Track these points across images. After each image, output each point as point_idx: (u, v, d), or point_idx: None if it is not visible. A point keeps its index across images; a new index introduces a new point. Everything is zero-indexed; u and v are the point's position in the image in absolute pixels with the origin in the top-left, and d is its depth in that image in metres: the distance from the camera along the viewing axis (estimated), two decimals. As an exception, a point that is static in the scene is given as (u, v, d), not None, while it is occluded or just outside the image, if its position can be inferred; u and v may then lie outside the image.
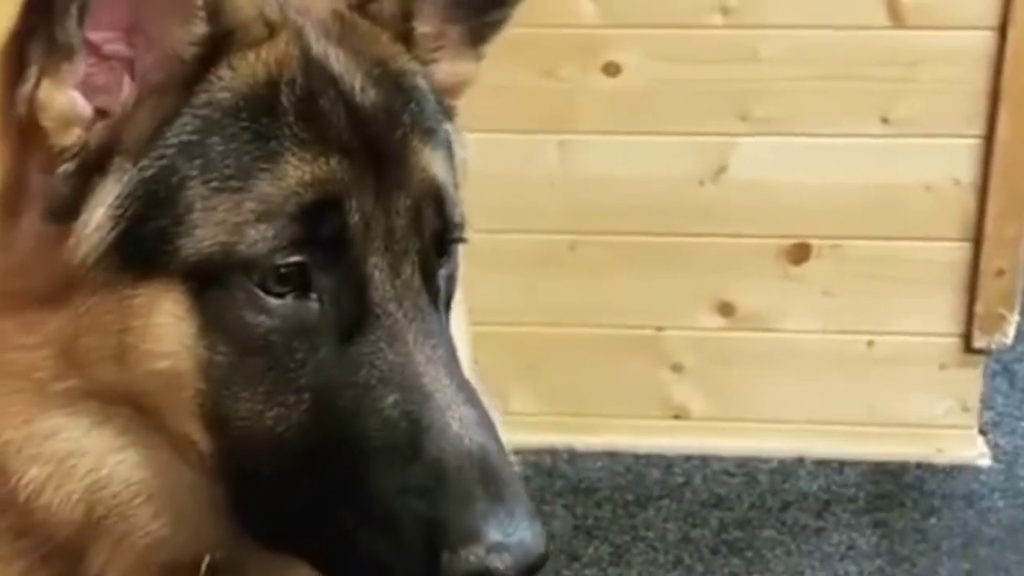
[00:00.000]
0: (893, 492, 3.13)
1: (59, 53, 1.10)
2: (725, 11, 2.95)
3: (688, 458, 3.23)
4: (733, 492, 3.14)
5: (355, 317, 1.13)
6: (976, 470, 3.21)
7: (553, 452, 3.20)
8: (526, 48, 2.88)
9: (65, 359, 1.16)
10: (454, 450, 1.10)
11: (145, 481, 1.19)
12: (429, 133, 1.22)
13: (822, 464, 3.20)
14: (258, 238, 1.11)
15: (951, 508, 3.10)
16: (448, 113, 1.31)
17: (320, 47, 1.19)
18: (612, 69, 2.99)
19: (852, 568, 2.92)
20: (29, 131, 1.14)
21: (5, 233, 1.19)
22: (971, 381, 3.22)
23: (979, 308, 3.12)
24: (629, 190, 3.04)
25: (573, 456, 3.21)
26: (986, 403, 3.34)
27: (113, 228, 1.13)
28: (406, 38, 1.28)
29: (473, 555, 1.07)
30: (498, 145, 2.81)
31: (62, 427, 1.18)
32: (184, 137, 1.13)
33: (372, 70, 1.21)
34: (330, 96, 1.16)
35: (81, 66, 1.12)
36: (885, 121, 2.99)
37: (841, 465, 3.20)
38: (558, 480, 3.15)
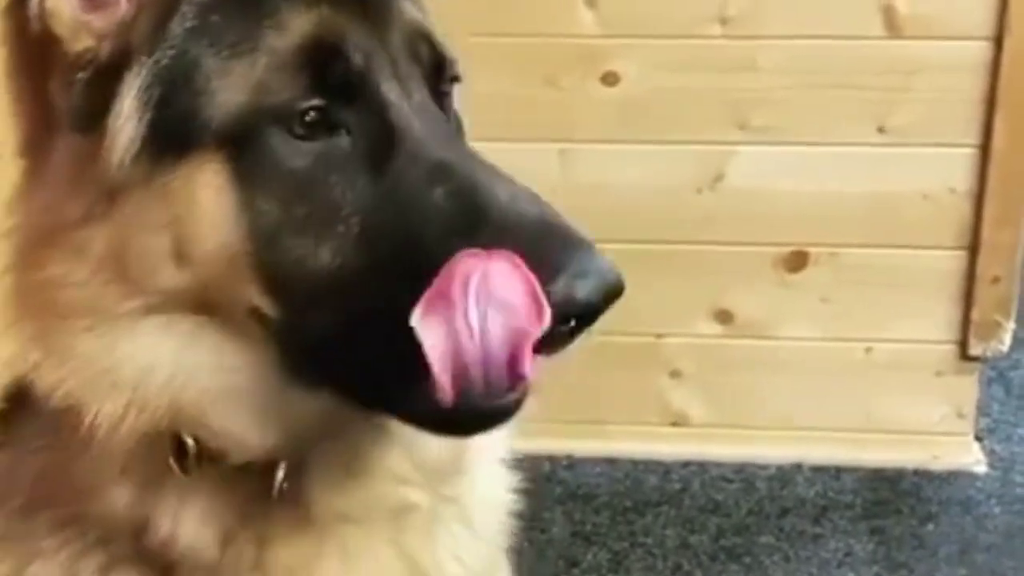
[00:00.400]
0: (890, 498, 3.15)
1: None
2: (723, 21, 2.97)
3: (686, 464, 3.25)
4: (731, 498, 3.16)
5: (383, 141, 1.18)
6: (972, 476, 3.23)
7: (552, 458, 3.21)
8: (527, 58, 2.90)
9: (122, 278, 1.20)
10: (514, 214, 1.14)
11: (221, 383, 1.22)
12: None
13: (819, 470, 3.22)
14: (277, 87, 1.17)
15: (948, 514, 3.11)
16: None
17: None
18: (611, 78, 3.01)
19: (850, 574, 2.93)
20: (46, 47, 1.20)
21: (37, 173, 1.24)
22: (967, 388, 3.24)
23: (975, 316, 3.14)
24: (628, 198, 3.06)
25: (572, 462, 3.22)
26: (982, 410, 3.36)
27: (140, 119, 1.17)
28: None
29: (560, 286, 1.10)
30: (499, 154, 2.80)
31: (133, 352, 1.21)
32: (188, 24, 1.19)
33: None
34: None
35: None
36: (882, 130, 3.01)
37: (838, 471, 3.22)
38: (557, 486, 3.16)
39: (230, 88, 1.17)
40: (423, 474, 1.34)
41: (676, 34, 2.95)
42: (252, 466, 1.25)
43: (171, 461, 1.24)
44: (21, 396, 1.34)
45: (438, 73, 1.27)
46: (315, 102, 1.17)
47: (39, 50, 1.20)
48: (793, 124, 3.01)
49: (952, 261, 3.11)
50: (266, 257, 1.17)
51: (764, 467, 3.24)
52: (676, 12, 2.95)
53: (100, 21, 1.20)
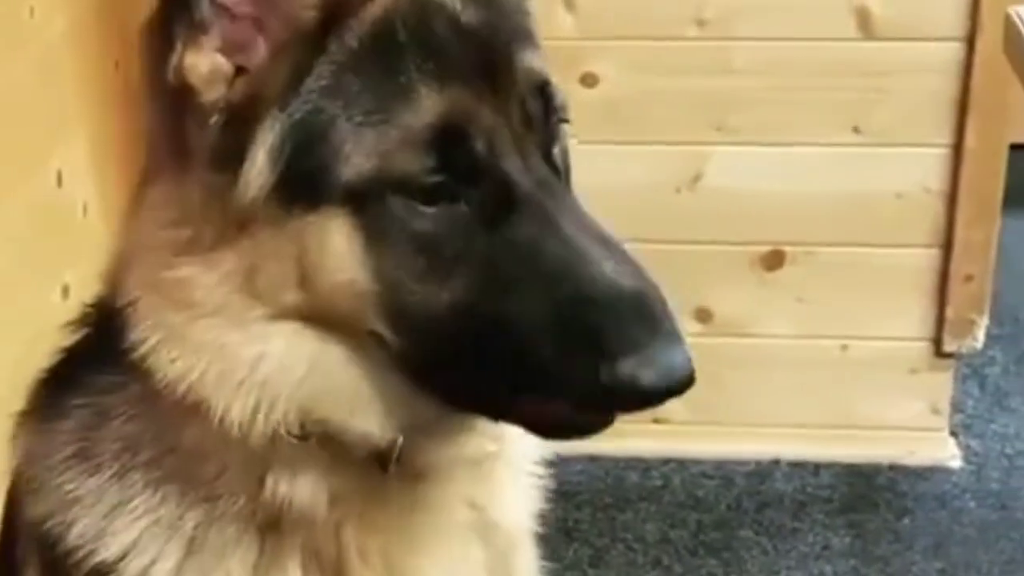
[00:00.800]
0: (866, 493, 3.19)
1: (197, 29, 1.24)
2: (700, 23, 2.99)
3: (667, 461, 3.28)
4: (711, 494, 3.19)
5: (501, 209, 1.26)
6: (947, 472, 3.27)
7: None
8: (506, 60, 2.93)
9: (248, 291, 1.28)
10: (612, 289, 1.22)
11: (349, 384, 1.31)
12: (524, 34, 1.36)
13: (797, 466, 3.26)
14: (404, 162, 1.24)
15: (923, 509, 3.15)
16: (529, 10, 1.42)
17: None
18: (590, 80, 3.04)
19: (827, 568, 2.97)
20: (181, 96, 1.27)
21: (168, 192, 1.31)
22: (942, 384, 3.27)
23: (949, 313, 3.17)
24: (607, 198, 3.03)
25: (554, 459, 3.24)
26: (957, 406, 3.40)
27: (274, 168, 1.25)
28: None
29: (628, 365, 1.18)
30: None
31: (265, 352, 1.28)
32: (323, 82, 1.25)
33: None
34: (440, 23, 1.28)
35: (217, 34, 1.25)
36: (856, 131, 3.04)
37: (816, 467, 3.25)
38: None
39: (360, 153, 1.24)
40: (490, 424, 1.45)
41: (654, 36, 2.98)
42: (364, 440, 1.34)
43: (284, 432, 1.31)
44: (93, 353, 1.42)
45: (550, 127, 1.33)
46: (438, 179, 1.24)
47: (175, 93, 1.27)
48: (769, 125, 3.04)
49: (926, 259, 3.15)
50: (392, 297, 1.26)
51: (743, 463, 3.27)
52: (654, 14, 2.98)
53: (243, 62, 1.27)
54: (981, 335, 3.21)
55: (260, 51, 1.27)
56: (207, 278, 1.28)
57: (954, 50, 2.98)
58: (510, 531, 1.53)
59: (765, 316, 3.20)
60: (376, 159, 1.23)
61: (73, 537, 1.39)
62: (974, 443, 3.37)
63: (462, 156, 1.25)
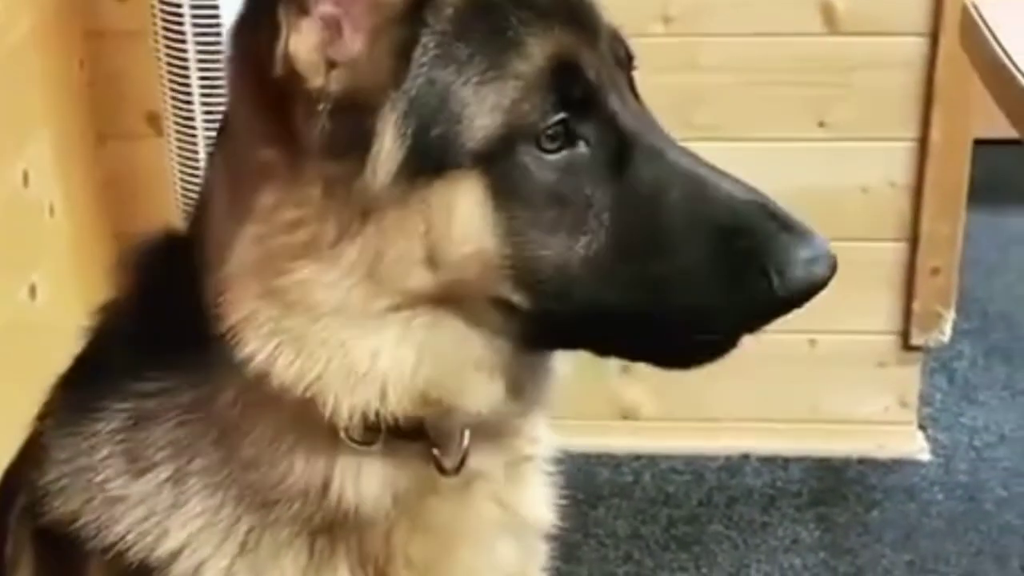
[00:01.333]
0: (836, 487, 3.20)
1: (298, 10, 1.25)
2: (666, 20, 3.00)
3: (637, 457, 3.28)
4: (681, 489, 3.20)
5: (616, 147, 1.30)
6: (916, 464, 3.28)
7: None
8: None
9: (371, 281, 1.28)
10: (744, 206, 1.30)
11: (465, 362, 1.33)
12: None
13: (767, 461, 3.27)
14: (528, 109, 1.27)
15: (892, 501, 3.17)
16: None
17: None
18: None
19: (796, 561, 2.98)
20: (289, 86, 1.27)
21: (265, 200, 1.31)
22: (910, 378, 3.29)
23: (916, 306, 3.19)
24: (575, 196, 3.08)
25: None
26: (926, 400, 3.42)
27: (402, 147, 1.26)
28: None
29: (799, 270, 1.28)
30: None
31: (380, 345, 1.30)
32: (431, 53, 1.27)
33: None
34: None
35: (316, 21, 1.26)
36: (822, 125, 3.05)
37: (785, 462, 3.27)
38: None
39: (484, 113, 1.26)
40: (530, 426, 1.52)
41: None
42: (424, 433, 1.36)
43: (342, 434, 1.33)
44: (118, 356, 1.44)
45: (630, 67, 1.40)
46: (561, 116, 1.28)
47: (279, 87, 1.28)
48: (736, 120, 3.04)
49: (893, 253, 3.16)
50: (522, 256, 1.28)
51: (713, 459, 3.28)
52: (619, 12, 2.94)
53: (336, 56, 1.27)
54: (948, 328, 3.23)
55: (353, 41, 1.28)
56: (329, 276, 1.28)
57: (918, 45, 2.99)
58: (538, 527, 1.58)
59: (733, 312, 3.20)
60: (501, 114, 1.26)
61: (115, 534, 1.40)
62: (942, 436, 3.39)
63: (579, 90, 1.29)
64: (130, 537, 1.40)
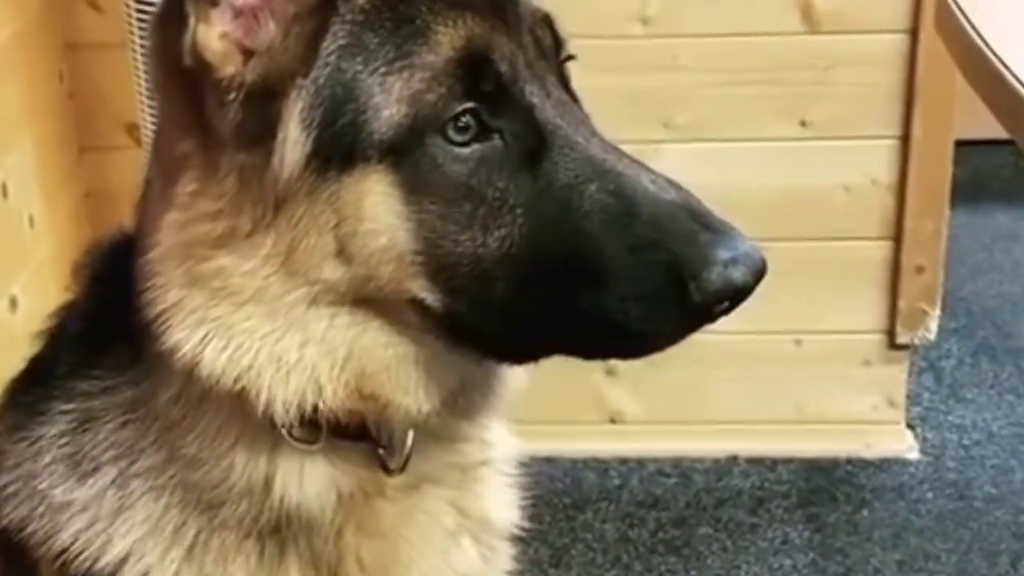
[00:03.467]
0: (824, 487, 3.19)
1: (208, 1, 1.26)
2: (645, 21, 3.00)
3: (624, 461, 3.28)
4: (669, 492, 3.19)
5: (533, 140, 1.27)
6: (905, 463, 3.28)
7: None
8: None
9: (288, 271, 1.28)
10: (662, 204, 1.25)
11: (392, 358, 1.31)
12: None
13: (755, 462, 3.26)
14: (433, 99, 1.24)
15: (881, 501, 3.16)
16: None
17: None
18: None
19: (786, 562, 2.97)
20: (199, 75, 1.28)
21: (184, 189, 1.31)
22: (896, 376, 3.28)
23: (901, 304, 3.18)
24: (557, 199, 3.08)
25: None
26: (914, 399, 3.43)
27: (308, 136, 1.25)
28: None
29: (715, 274, 1.21)
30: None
31: (307, 337, 1.29)
32: (340, 42, 1.26)
33: None
34: None
35: (227, 11, 1.26)
36: (803, 124, 3.05)
37: (773, 463, 3.26)
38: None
39: (390, 103, 1.25)
40: (481, 430, 1.48)
41: (599, 34, 2.96)
42: (367, 433, 1.35)
43: (284, 432, 1.32)
44: (66, 358, 1.42)
45: (558, 56, 1.36)
46: (468, 105, 1.25)
47: (192, 77, 1.28)
48: (716, 120, 3.04)
49: (877, 252, 3.16)
50: (433, 253, 1.26)
51: (700, 461, 3.27)
52: (597, 12, 2.97)
53: (251, 44, 1.27)
54: (934, 326, 3.23)
55: (268, 30, 1.28)
56: (246, 265, 1.28)
57: (898, 42, 2.99)
58: (498, 529, 1.56)
59: (718, 313, 3.20)
60: (407, 104, 1.24)
61: (60, 543, 1.38)
62: (931, 435, 3.39)
63: (488, 80, 1.26)
64: (75, 546, 1.38)
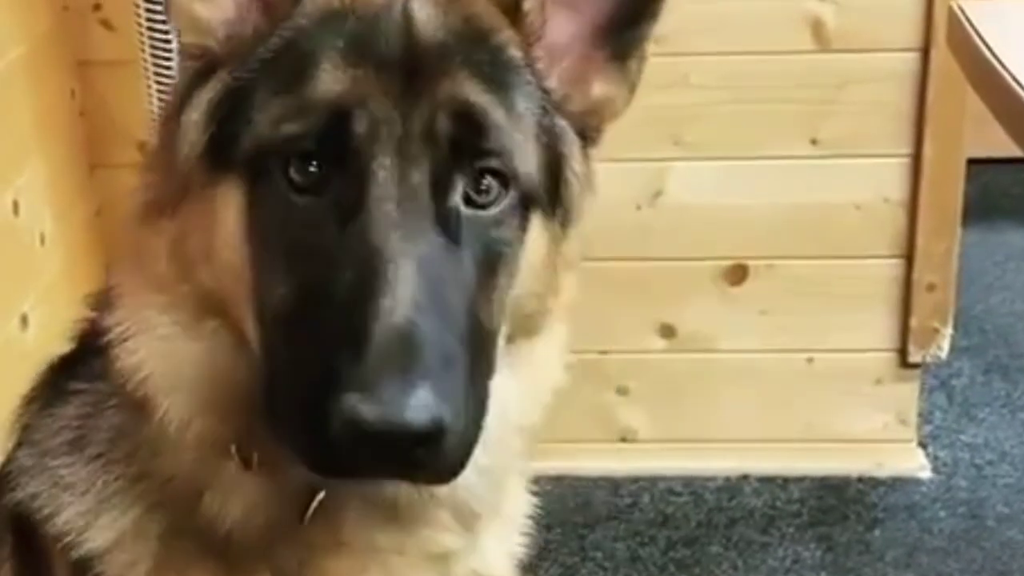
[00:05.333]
0: (836, 506, 3.18)
1: None
2: (656, 40, 2.98)
3: (635, 479, 3.27)
4: (680, 511, 3.18)
5: (353, 207, 1.22)
6: (917, 482, 3.27)
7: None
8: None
9: (178, 265, 1.29)
10: (376, 323, 1.15)
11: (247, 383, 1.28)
12: (488, 79, 1.29)
13: (766, 481, 3.25)
14: (288, 130, 1.23)
15: (893, 520, 3.15)
16: (554, 103, 1.37)
17: None
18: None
19: (798, 581, 2.98)
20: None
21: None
22: (908, 395, 3.27)
23: (913, 323, 3.18)
24: (568, 217, 3.08)
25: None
26: (926, 417, 3.42)
27: (205, 130, 1.27)
28: (513, 14, 1.36)
29: (348, 402, 1.12)
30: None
31: (193, 355, 1.30)
32: (268, 54, 1.28)
33: (452, 19, 1.30)
34: (393, 23, 1.27)
35: None
36: (814, 142, 3.05)
37: (785, 481, 3.25)
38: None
39: (263, 121, 1.24)
40: (461, 521, 1.41)
41: (610, 53, 2.98)
42: (300, 481, 1.32)
43: (232, 450, 1.31)
44: (97, 339, 1.41)
45: (460, 158, 1.26)
46: (312, 149, 1.23)
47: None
48: (728, 138, 3.04)
49: (888, 270, 3.15)
50: (258, 286, 1.25)
51: (712, 479, 3.26)
52: (609, 31, 2.97)
53: (207, 14, 1.30)
54: (946, 344, 3.22)
55: (250, 19, 1.30)
56: (154, 242, 1.29)
57: (909, 60, 2.99)
58: None
59: (729, 331, 3.20)
60: (269, 127, 1.24)
61: (60, 523, 1.39)
62: (943, 453, 3.38)
63: (340, 133, 1.22)
64: (73, 527, 1.38)
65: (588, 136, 1.42)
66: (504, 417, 1.36)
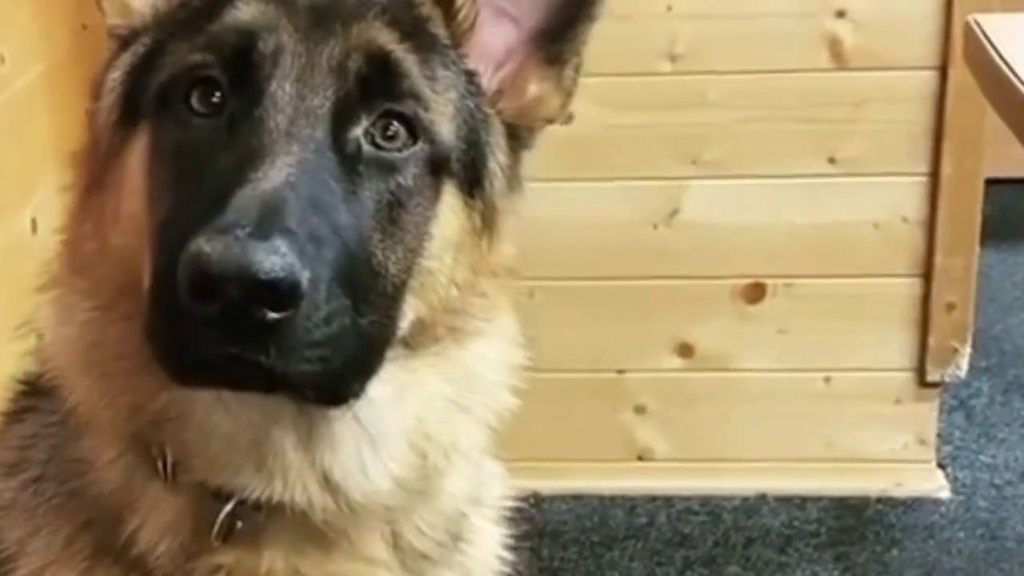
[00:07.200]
0: (854, 526, 3.17)
1: None
2: (673, 58, 3.00)
3: (652, 498, 3.26)
4: (697, 530, 3.17)
5: (248, 125, 1.21)
6: (936, 503, 3.26)
7: (518, 497, 3.21)
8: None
9: (98, 239, 1.27)
10: (246, 186, 1.13)
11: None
12: (406, 36, 1.29)
13: (784, 500, 3.24)
14: (193, 59, 1.24)
15: (912, 540, 3.13)
16: (479, 90, 1.36)
17: None
18: (566, 117, 3.03)
19: (816, 601, 2.96)
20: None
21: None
22: (927, 414, 3.26)
23: (932, 342, 3.17)
24: (585, 235, 3.08)
25: (538, 500, 3.22)
26: (945, 438, 3.40)
27: (121, 92, 1.28)
28: (446, 5, 1.36)
29: (196, 243, 1.08)
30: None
31: (103, 337, 1.28)
32: (185, 14, 1.30)
33: None
34: None
35: None
36: (832, 161, 3.05)
37: (803, 501, 3.24)
38: (523, 525, 3.16)
39: (168, 63, 1.25)
40: (402, 559, 1.35)
41: (628, 72, 2.98)
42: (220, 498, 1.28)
43: (159, 465, 1.28)
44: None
45: (366, 90, 1.25)
46: (211, 72, 1.23)
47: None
48: (745, 157, 3.04)
49: (907, 289, 3.15)
50: (155, 220, 1.21)
51: (729, 499, 3.25)
52: (627, 50, 2.97)
53: (139, 4, 1.32)
54: (965, 364, 3.21)
55: None
56: (79, 219, 1.30)
57: (928, 79, 2.99)
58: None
59: (747, 350, 3.20)
60: (176, 65, 1.25)
61: (5, 544, 1.36)
62: (962, 474, 3.36)
63: (245, 57, 1.22)
64: (11, 550, 1.35)
65: (520, 136, 1.40)
66: (425, 430, 1.31)
